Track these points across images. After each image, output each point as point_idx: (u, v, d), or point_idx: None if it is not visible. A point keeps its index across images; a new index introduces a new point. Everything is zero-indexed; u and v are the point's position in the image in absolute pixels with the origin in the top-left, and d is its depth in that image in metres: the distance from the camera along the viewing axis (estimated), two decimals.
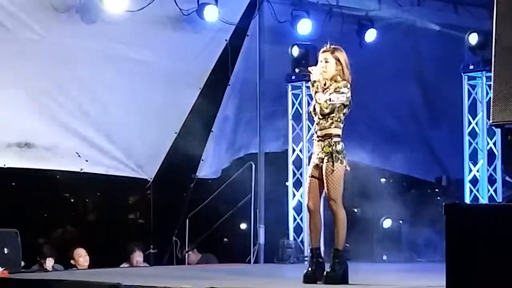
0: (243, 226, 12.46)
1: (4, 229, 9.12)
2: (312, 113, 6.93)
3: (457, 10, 12.08)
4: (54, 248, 10.30)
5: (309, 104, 10.31)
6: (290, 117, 11.46)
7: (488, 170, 10.36)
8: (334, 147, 6.77)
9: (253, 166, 11.45)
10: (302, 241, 11.13)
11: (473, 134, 10.52)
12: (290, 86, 11.47)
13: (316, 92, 6.85)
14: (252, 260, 11.20)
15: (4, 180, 10.98)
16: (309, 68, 6.98)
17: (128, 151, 11.22)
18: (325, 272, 6.73)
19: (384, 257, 11.38)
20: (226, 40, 11.49)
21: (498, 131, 10.16)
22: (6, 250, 8.90)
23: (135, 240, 11.25)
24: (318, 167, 6.84)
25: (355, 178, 13.13)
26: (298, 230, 11.20)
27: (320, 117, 6.82)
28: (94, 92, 10.71)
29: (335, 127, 6.80)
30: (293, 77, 11.25)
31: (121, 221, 13.05)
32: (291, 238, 11.22)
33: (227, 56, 11.55)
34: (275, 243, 11.15)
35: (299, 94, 11.35)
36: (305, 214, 10.29)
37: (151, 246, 11.37)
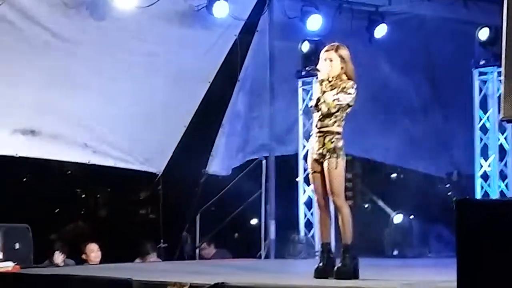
0: (253, 221, 12.47)
1: (15, 225, 9.16)
2: (314, 109, 6.95)
3: (467, 5, 12.02)
4: (65, 244, 10.33)
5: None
6: (300, 112, 11.46)
7: (499, 166, 10.34)
8: (336, 144, 6.81)
9: (264, 161, 11.47)
10: (313, 236, 11.14)
11: (484, 129, 10.50)
12: (300, 82, 11.47)
13: (324, 92, 6.87)
14: (262, 256, 11.21)
15: (16, 175, 11.02)
16: (318, 67, 7.00)
17: (136, 145, 11.26)
18: (335, 267, 6.74)
19: (395, 253, 11.37)
20: (235, 35, 11.50)
21: (509, 126, 10.12)
22: (17, 246, 8.94)
23: (147, 237, 11.27)
24: (318, 162, 6.89)
25: (366, 173, 13.22)
26: (309, 225, 11.22)
27: (325, 115, 6.86)
28: (102, 85, 10.73)
29: (338, 125, 6.86)
30: (303, 73, 11.25)
31: (132, 216, 13.09)
32: (301, 233, 11.24)
33: (237, 52, 11.56)
34: (286, 239, 11.16)
35: (309, 90, 11.35)
36: (315, 209, 10.30)
37: (161, 241, 11.40)
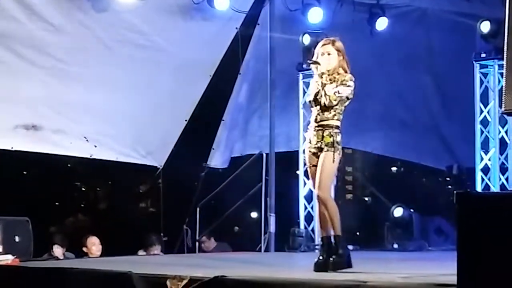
0: (253, 214, 12.47)
1: (15, 217, 9.15)
2: (312, 103, 6.95)
3: None
4: (65, 237, 10.33)
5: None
6: (301, 105, 11.44)
7: (499, 159, 10.32)
8: (335, 138, 6.82)
9: (264, 154, 11.45)
10: (312, 230, 11.13)
11: (485, 122, 10.48)
12: (301, 75, 11.45)
13: (325, 85, 6.87)
14: (262, 249, 11.21)
15: (16, 168, 11.02)
16: (318, 60, 7.00)
17: (137, 138, 11.26)
18: (331, 259, 6.76)
19: (395, 246, 11.36)
20: (236, 28, 11.48)
21: (510, 119, 10.11)
22: (17, 238, 8.93)
23: (149, 230, 11.27)
24: (316, 155, 6.92)
25: (367, 166, 13.22)
26: (309, 218, 11.21)
27: (324, 108, 6.86)
28: (104, 79, 10.71)
29: (337, 119, 6.89)
30: (304, 66, 11.23)
31: (133, 209, 13.08)
32: (301, 226, 11.23)
33: (238, 44, 11.54)
34: (286, 232, 11.16)
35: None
36: (315, 202, 10.29)
37: (162, 234, 11.40)
